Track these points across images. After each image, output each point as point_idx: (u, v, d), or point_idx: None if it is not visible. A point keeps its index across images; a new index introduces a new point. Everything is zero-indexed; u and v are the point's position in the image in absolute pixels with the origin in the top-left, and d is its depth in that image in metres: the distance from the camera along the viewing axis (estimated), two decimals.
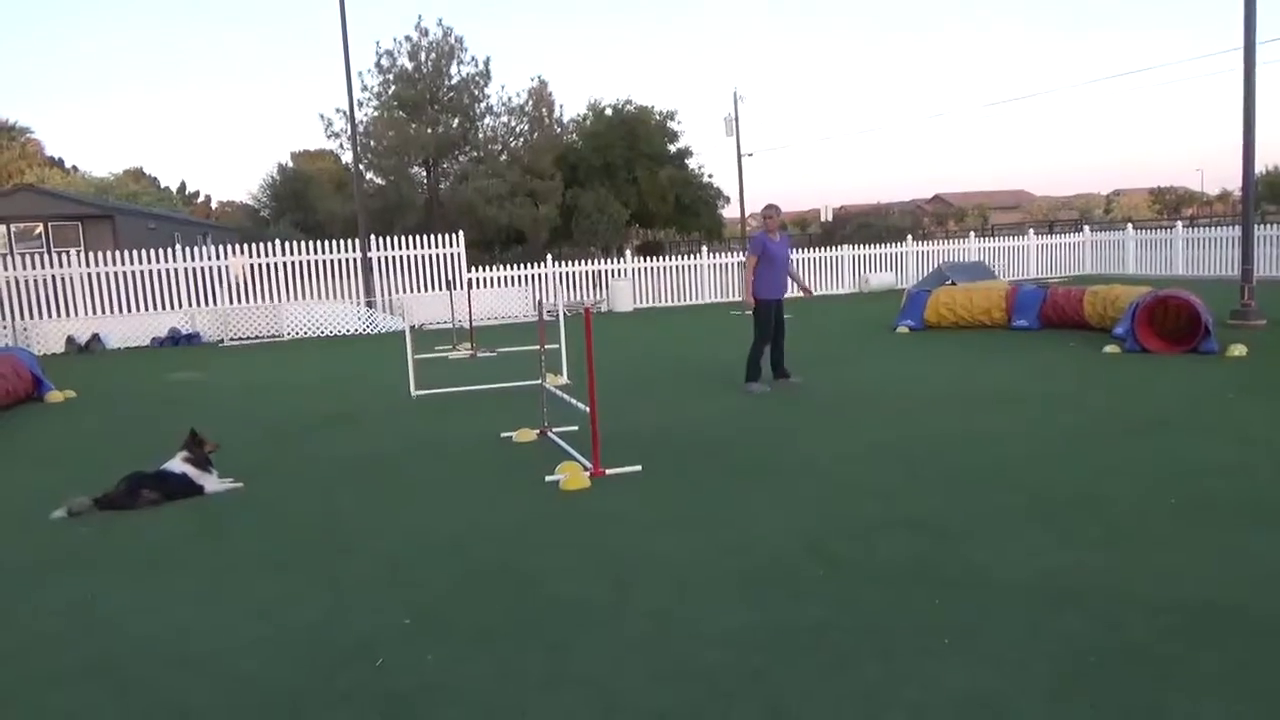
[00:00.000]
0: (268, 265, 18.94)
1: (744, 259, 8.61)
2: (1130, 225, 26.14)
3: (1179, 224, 24.31)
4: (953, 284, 15.13)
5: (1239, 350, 9.47)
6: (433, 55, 33.06)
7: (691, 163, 39.77)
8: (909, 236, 25.41)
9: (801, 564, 4.17)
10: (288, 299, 18.86)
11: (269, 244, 19.35)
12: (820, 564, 4.16)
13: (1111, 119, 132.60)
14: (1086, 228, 27.62)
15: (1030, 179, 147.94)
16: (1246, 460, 5.54)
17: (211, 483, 5.97)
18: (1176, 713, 2.77)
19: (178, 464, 5.91)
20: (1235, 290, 12.24)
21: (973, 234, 28.21)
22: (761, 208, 9.14)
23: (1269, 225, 21.45)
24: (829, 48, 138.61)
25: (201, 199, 64.28)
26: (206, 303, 18.61)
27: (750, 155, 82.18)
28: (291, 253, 19.12)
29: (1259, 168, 56.14)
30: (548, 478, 5.78)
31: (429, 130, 32.95)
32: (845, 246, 23.53)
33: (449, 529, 4.99)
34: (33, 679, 3.41)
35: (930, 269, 20.92)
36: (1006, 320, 12.73)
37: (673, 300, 21.82)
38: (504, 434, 7.23)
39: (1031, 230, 27.38)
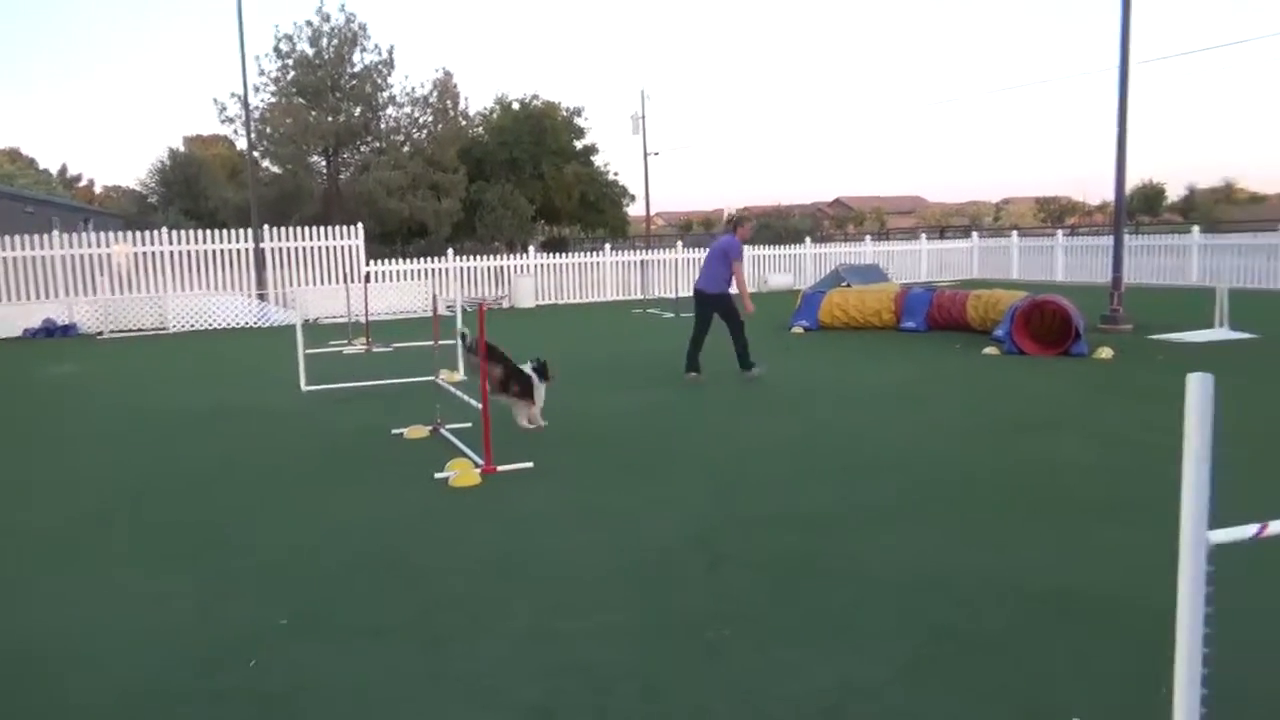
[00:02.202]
0: (154, 254, 18.17)
1: (735, 264, 9.52)
2: (1015, 233, 27.35)
3: (1060, 233, 25.58)
4: (848, 285, 15.56)
5: (1106, 353, 10.04)
6: (334, 42, 32.18)
7: (598, 160, 39.81)
8: (808, 238, 26.01)
9: (687, 558, 4.26)
10: (175, 290, 18.13)
11: (156, 232, 18.56)
12: (706, 558, 4.25)
13: (1003, 130, 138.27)
14: (975, 234, 28.78)
15: (926, 185, 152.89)
16: (1105, 457, 5.89)
17: (540, 393, 7.14)
18: (1021, 693, 2.95)
19: (529, 368, 7.11)
20: (1107, 296, 12.96)
21: (869, 238, 29.08)
22: (739, 215, 9.64)
23: (1140, 235, 22.78)
24: (736, 49, 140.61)
25: (84, 183, 61.11)
26: (87, 292, 17.73)
27: (656, 154, 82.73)
28: (180, 242, 18.39)
29: (1135, 180, 58.93)
30: (437, 474, 5.74)
31: (329, 119, 32.07)
32: (746, 247, 23.94)
33: (333, 526, 4.91)
34: None
35: (828, 270, 21.46)
36: (896, 322, 13.18)
37: (576, 297, 21.83)
38: (395, 430, 7.14)
39: (924, 235, 28.38)
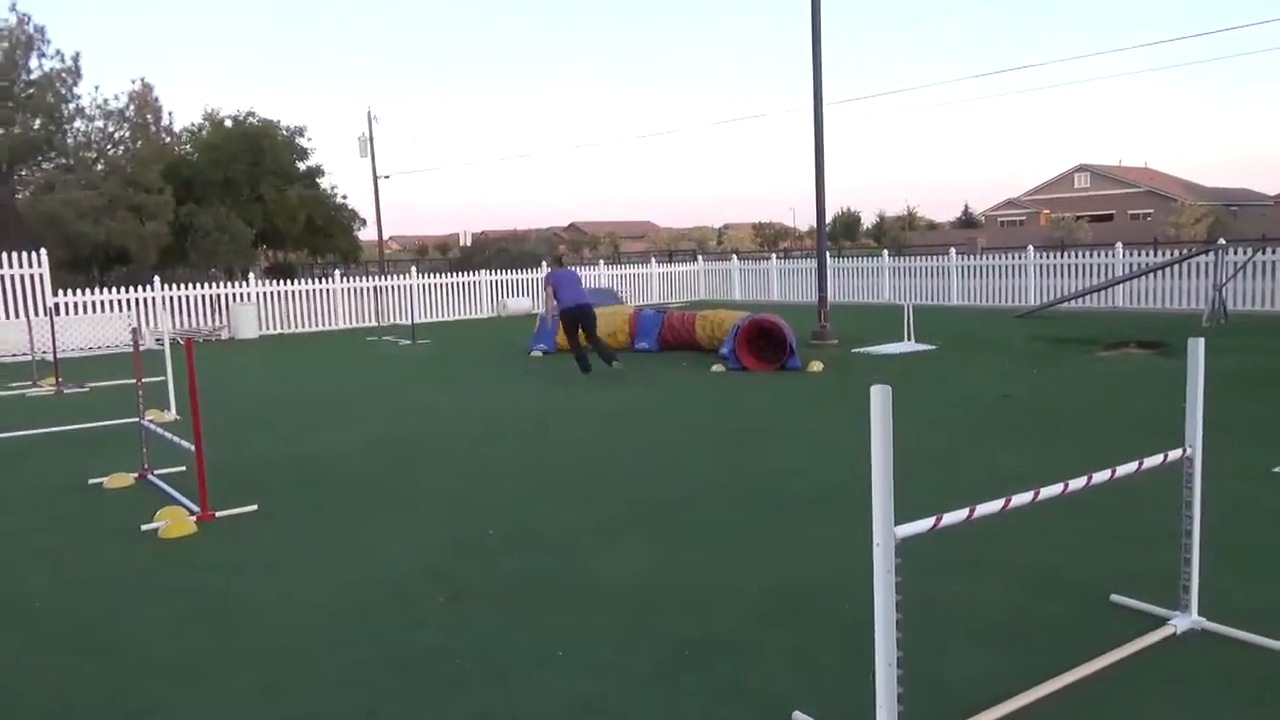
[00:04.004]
0: None
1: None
2: (735, 256, 29.28)
3: (774, 256, 27.69)
4: None
5: (817, 366, 10.98)
6: (4, 44, 28.50)
7: (324, 182, 38.03)
8: (544, 263, 26.34)
9: (422, 592, 4.14)
10: None
11: None
12: (441, 590, 4.16)
13: (723, 159, 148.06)
14: (700, 257, 30.50)
15: (656, 210, 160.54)
16: (817, 461, 6.43)
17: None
18: (754, 689, 3.13)
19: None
20: (816, 313, 14.18)
21: (602, 262, 29.94)
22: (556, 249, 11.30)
23: (841, 258, 25.20)
24: (469, 71, 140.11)
25: None
26: None
27: (387, 177, 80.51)
28: None
29: (836, 208, 64.89)
30: (144, 526, 5.20)
31: (2, 131, 28.31)
32: (484, 271, 23.83)
33: (14, 596, 4.29)
34: None
35: None
36: (630, 342, 13.65)
37: (305, 326, 20.68)
38: (93, 480, 6.39)
39: (654, 259, 29.68)
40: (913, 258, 23.42)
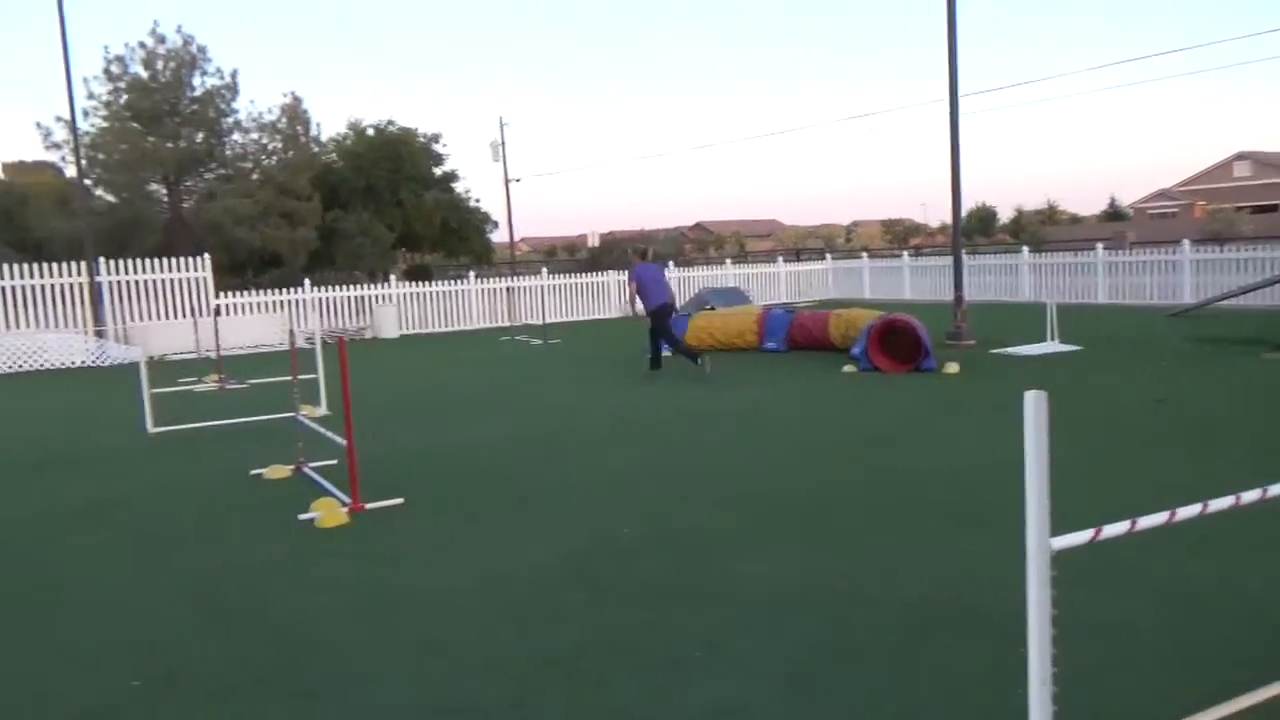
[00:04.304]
0: None
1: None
2: (865, 254, 28.68)
3: (906, 254, 26.96)
4: (712, 308, 15.92)
5: (954, 368, 10.64)
6: (172, 64, 30.68)
7: (459, 186, 39.39)
8: (671, 263, 26.48)
9: (563, 588, 4.25)
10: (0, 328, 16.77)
11: None
12: (581, 587, 4.25)
13: (851, 155, 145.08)
14: (829, 256, 30.00)
15: (782, 209, 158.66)
16: (955, 467, 6.24)
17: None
18: (894, 704, 3.08)
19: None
20: (950, 313, 13.74)
21: (729, 261, 29.85)
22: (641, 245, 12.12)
23: (978, 255, 24.29)
24: (596, 75, 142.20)
25: None
26: None
27: (518, 180, 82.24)
28: (4, 276, 17.05)
29: (970, 203, 62.68)
30: (301, 516, 5.52)
31: (169, 144, 30.51)
32: (612, 272, 24.15)
33: (190, 578, 4.64)
34: None
35: (692, 294, 21.90)
36: (759, 342, 13.57)
37: (441, 326, 21.47)
38: (255, 471, 6.83)
39: (781, 258, 29.39)
40: (1054, 254, 22.36)
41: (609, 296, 23.41)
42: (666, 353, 11.62)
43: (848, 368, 11.05)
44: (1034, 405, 2.29)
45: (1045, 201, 74.56)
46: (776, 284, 25.59)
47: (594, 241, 43.32)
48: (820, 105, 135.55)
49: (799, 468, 6.40)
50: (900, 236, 72.14)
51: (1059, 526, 2.44)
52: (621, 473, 6.49)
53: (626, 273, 12.66)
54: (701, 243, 73.79)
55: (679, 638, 3.63)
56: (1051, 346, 12.21)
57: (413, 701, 3.21)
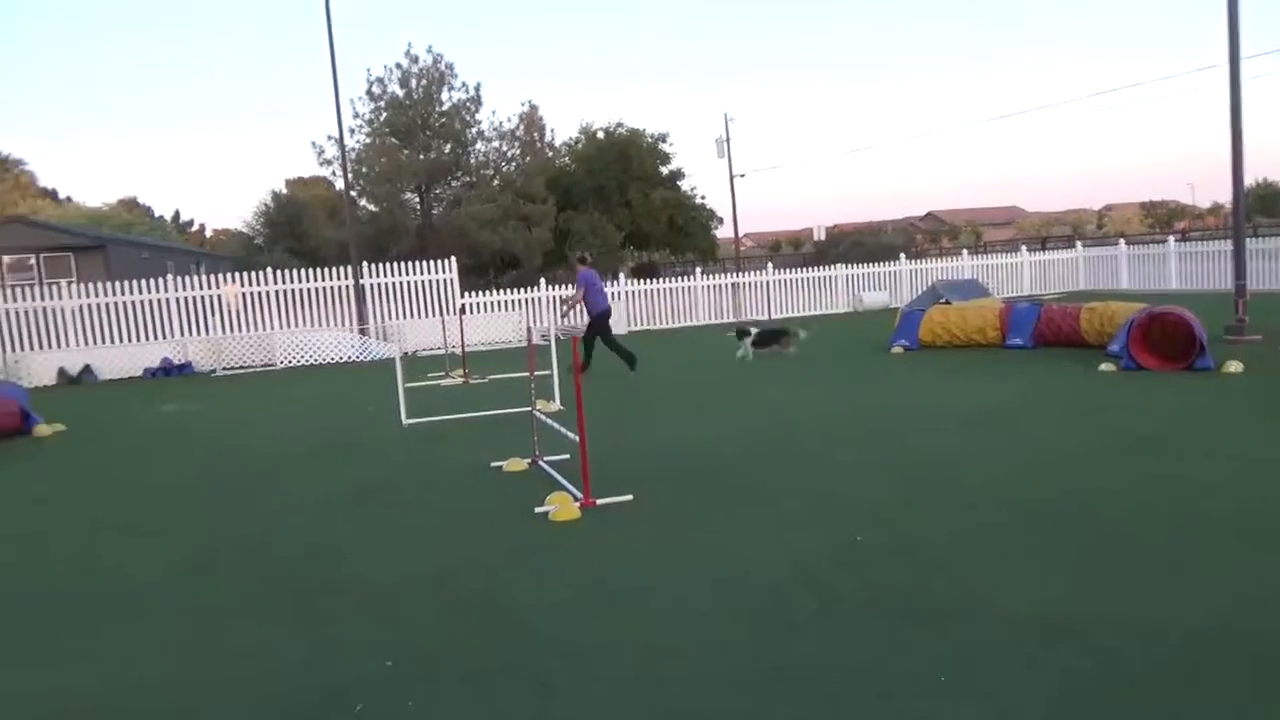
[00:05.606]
0: (261, 293, 18.93)
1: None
2: (1123, 240, 26.21)
3: (1171, 238, 24.35)
4: (947, 302, 15.09)
5: (1235, 366, 9.42)
6: (423, 82, 33.22)
7: (684, 184, 39.96)
8: (902, 255, 25.45)
9: (794, 596, 4.09)
10: (281, 327, 18.81)
11: (262, 272, 19.34)
12: (813, 596, 4.08)
13: (1102, 133, 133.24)
14: (1079, 243, 27.68)
15: (1022, 194, 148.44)
16: (1242, 479, 5.47)
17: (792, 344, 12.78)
18: None
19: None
20: (1229, 304, 12.22)
21: (965, 251, 28.28)
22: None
23: (1261, 238, 21.50)
24: (819, 67, 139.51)
25: (196, 228, 64.31)
26: (199, 332, 18.56)
27: (742, 176, 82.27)
28: (285, 280, 19.09)
29: (1249, 180, 56.30)
30: (537, 508, 5.71)
31: (420, 156, 33.07)
32: (839, 265, 23.54)
33: (436, 563, 4.91)
34: None
35: (924, 287, 20.92)
36: (1001, 339, 12.69)
37: (668, 322, 21.80)
38: (494, 463, 7.16)
39: (1024, 247, 27.45)
40: None
41: (835, 291, 22.83)
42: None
43: (1105, 365, 10.07)
44: None
45: None
46: (1019, 275, 23.95)
47: (819, 235, 42.47)
48: (1066, 80, 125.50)
49: (1049, 472, 5.86)
50: (1162, 220, 65.51)
51: None
52: (850, 472, 6.22)
53: (576, 280, 14.00)
54: (934, 233, 70.55)
55: (920, 659, 3.39)
56: None
57: (643, 702, 3.19)
